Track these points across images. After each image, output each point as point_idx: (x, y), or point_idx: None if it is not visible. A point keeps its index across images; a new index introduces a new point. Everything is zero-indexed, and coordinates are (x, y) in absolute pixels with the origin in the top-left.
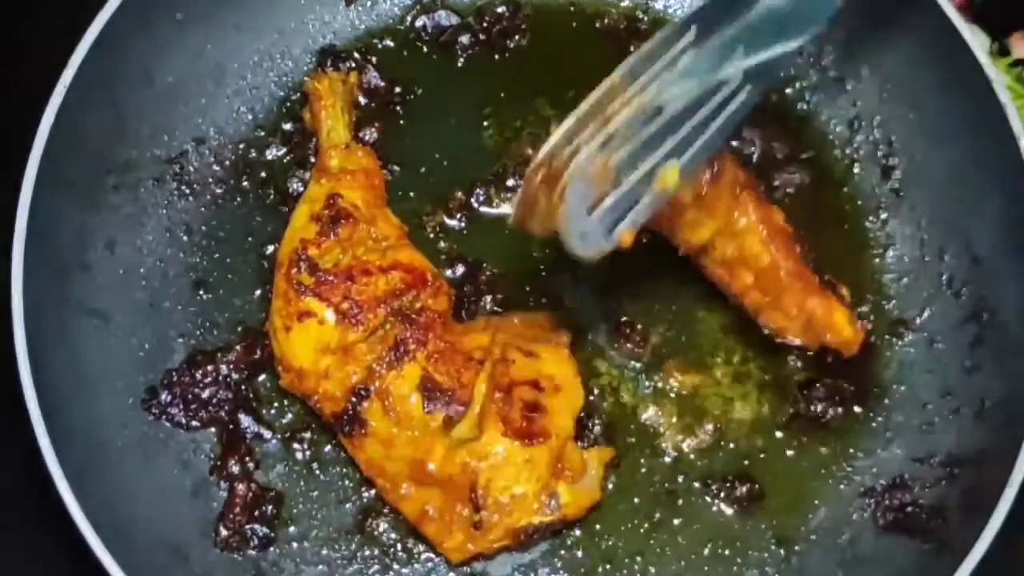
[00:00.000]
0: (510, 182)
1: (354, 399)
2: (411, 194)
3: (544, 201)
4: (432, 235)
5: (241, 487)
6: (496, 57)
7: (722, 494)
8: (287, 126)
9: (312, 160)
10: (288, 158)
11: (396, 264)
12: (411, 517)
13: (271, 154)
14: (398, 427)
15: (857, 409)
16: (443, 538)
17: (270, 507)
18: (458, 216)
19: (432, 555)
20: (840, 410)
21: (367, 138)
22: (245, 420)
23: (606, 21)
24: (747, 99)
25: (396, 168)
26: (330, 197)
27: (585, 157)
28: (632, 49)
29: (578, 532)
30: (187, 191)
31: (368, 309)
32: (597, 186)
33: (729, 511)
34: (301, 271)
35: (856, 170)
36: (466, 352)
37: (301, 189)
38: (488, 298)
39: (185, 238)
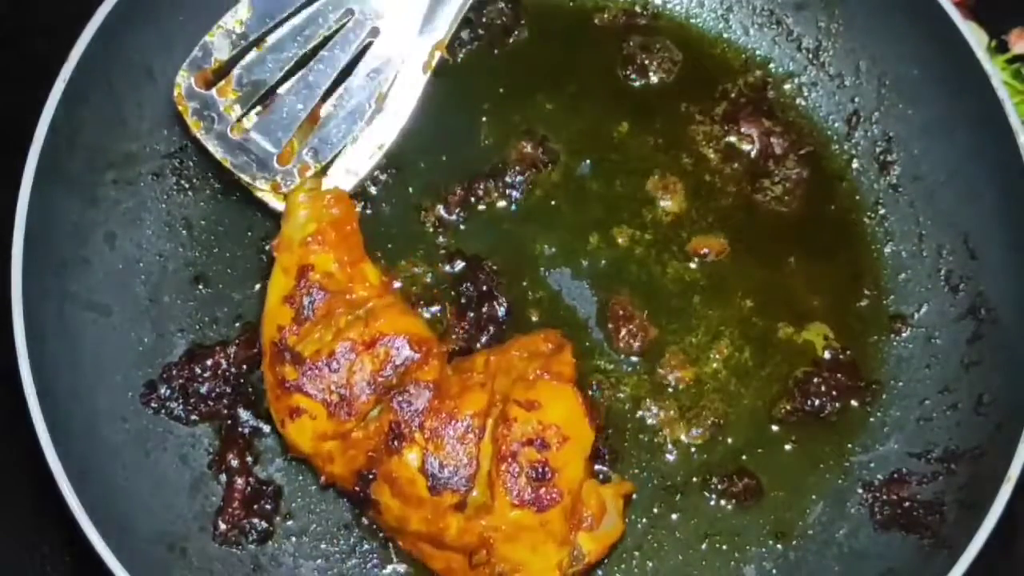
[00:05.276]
0: (508, 178)
1: (361, 482)
2: (409, 189)
3: None
4: (431, 230)
5: (240, 481)
6: (495, 52)
7: (720, 489)
8: None
9: None
10: None
11: (380, 336)
12: (438, 570)
13: None
14: (409, 508)
15: (855, 404)
16: None
17: (269, 501)
18: (456, 211)
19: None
20: (838, 405)
21: None
22: (244, 414)
23: (605, 17)
24: (385, 45)
25: (394, 170)
26: (301, 272)
27: (182, 73)
28: (631, 44)
29: None
30: (186, 186)
31: (357, 398)
32: (221, 103)
33: (727, 506)
34: (284, 363)
35: (854, 165)
36: (464, 420)
37: None
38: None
39: (184, 233)
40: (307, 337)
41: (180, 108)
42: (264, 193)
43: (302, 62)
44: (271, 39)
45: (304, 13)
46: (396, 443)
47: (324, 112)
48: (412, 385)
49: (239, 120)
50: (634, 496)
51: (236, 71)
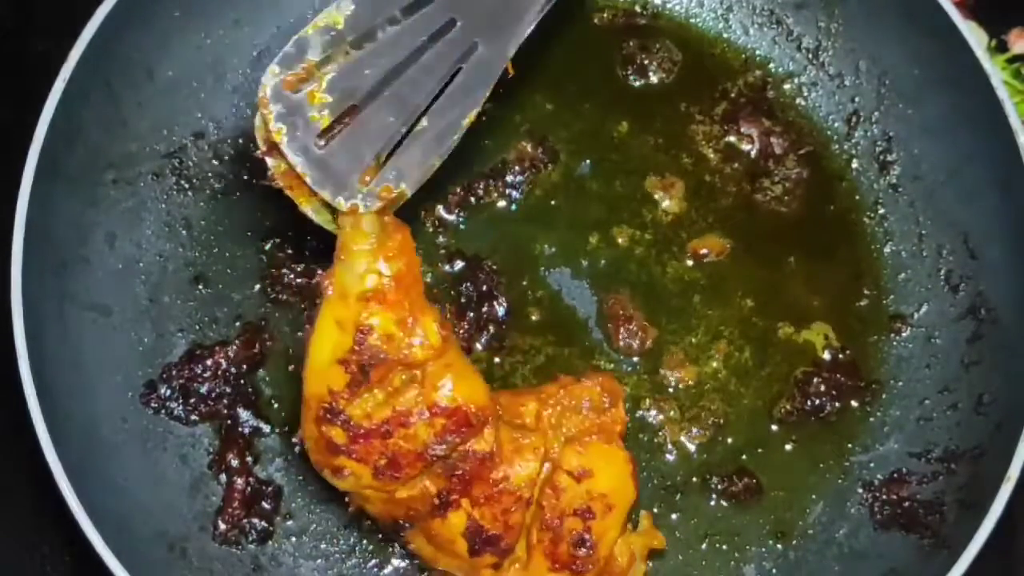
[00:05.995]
0: (508, 178)
1: (397, 526)
2: None
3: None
4: (431, 230)
5: (240, 481)
6: None
7: (720, 489)
8: None
9: None
10: None
11: (437, 407)
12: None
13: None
14: (443, 556)
15: (855, 404)
16: None
17: (269, 501)
18: (456, 211)
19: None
20: (838, 405)
21: None
22: (244, 414)
23: (604, 17)
24: (491, 58)
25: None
26: (359, 333)
27: (271, 70)
28: (631, 44)
29: None
30: (186, 186)
31: (408, 466)
32: (310, 109)
33: (727, 506)
34: (333, 426)
35: (854, 165)
36: (514, 492)
37: None
38: (487, 306)
39: (184, 232)
40: (359, 398)
41: (263, 112)
42: (313, 212)
43: (394, 72)
44: (369, 43)
45: (409, 18)
46: (442, 510)
47: (415, 129)
48: (465, 457)
49: (325, 130)
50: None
51: (329, 75)
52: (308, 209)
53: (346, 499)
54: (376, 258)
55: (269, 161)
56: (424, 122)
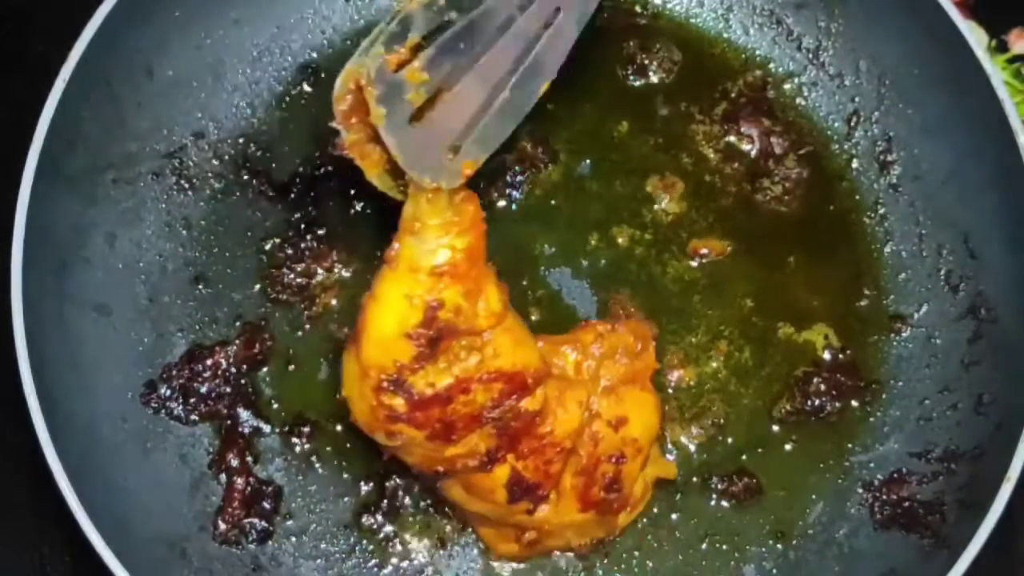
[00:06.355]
0: (508, 177)
1: (434, 476)
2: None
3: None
4: None
5: (240, 481)
6: None
7: (720, 489)
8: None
9: (314, 158)
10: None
11: (498, 373)
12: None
13: (271, 149)
14: (476, 501)
15: (855, 404)
16: (496, 544)
17: (269, 501)
18: None
19: (428, 551)
20: (838, 405)
21: None
22: (244, 414)
23: (605, 16)
24: (566, 26)
25: None
26: (430, 308)
27: (376, 51)
28: (631, 44)
29: None
30: (186, 185)
31: (463, 428)
32: (408, 89)
33: (727, 506)
34: (395, 395)
35: (854, 165)
36: (558, 444)
37: (300, 186)
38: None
39: (184, 232)
40: (423, 370)
41: (367, 93)
42: (378, 180)
43: (487, 45)
44: (465, 16)
45: None
46: (489, 466)
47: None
48: (517, 416)
49: (421, 108)
50: None
51: (430, 52)
52: (374, 177)
53: (384, 455)
54: (449, 232)
55: (342, 132)
56: (505, 93)
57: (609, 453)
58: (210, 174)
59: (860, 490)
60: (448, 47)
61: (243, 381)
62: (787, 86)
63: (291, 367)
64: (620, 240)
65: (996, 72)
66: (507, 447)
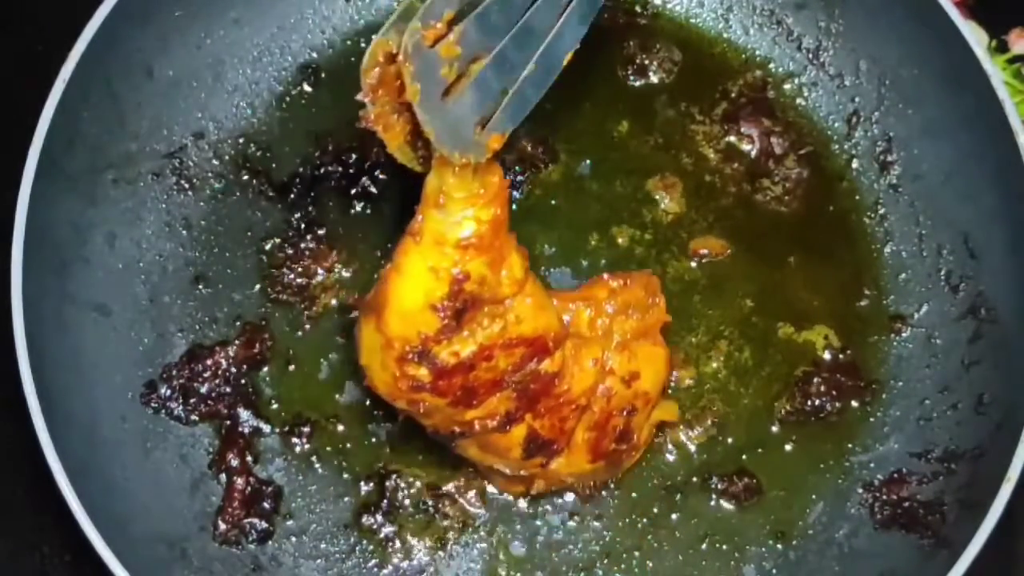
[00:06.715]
0: (508, 177)
1: (450, 435)
2: (410, 188)
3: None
4: None
5: (240, 481)
6: None
7: (720, 489)
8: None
9: (314, 158)
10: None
11: (520, 339)
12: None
13: (271, 149)
14: (490, 457)
15: (855, 404)
16: (504, 487)
17: (269, 501)
18: None
19: (429, 551)
20: (838, 405)
21: None
22: (244, 414)
23: (605, 16)
24: None
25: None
26: (455, 281)
27: (414, 26)
28: (631, 44)
29: (576, 527)
30: (186, 185)
31: (484, 393)
32: (442, 65)
33: (727, 506)
34: (420, 366)
35: (854, 165)
36: (573, 402)
37: (300, 186)
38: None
39: (184, 232)
40: (448, 340)
41: (403, 69)
42: (399, 152)
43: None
44: None
45: None
46: (507, 425)
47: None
48: (536, 378)
49: (454, 84)
50: (633, 495)
51: (465, 26)
52: (395, 149)
53: (400, 415)
54: (475, 204)
55: (368, 105)
56: (531, 64)
57: (621, 407)
58: (210, 174)
59: (860, 490)
60: (480, 21)
61: (243, 381)
62: (787, 86)
63: (291, 367)
64: (620, 240)
65: (996, 72)
66: (525, 408)
